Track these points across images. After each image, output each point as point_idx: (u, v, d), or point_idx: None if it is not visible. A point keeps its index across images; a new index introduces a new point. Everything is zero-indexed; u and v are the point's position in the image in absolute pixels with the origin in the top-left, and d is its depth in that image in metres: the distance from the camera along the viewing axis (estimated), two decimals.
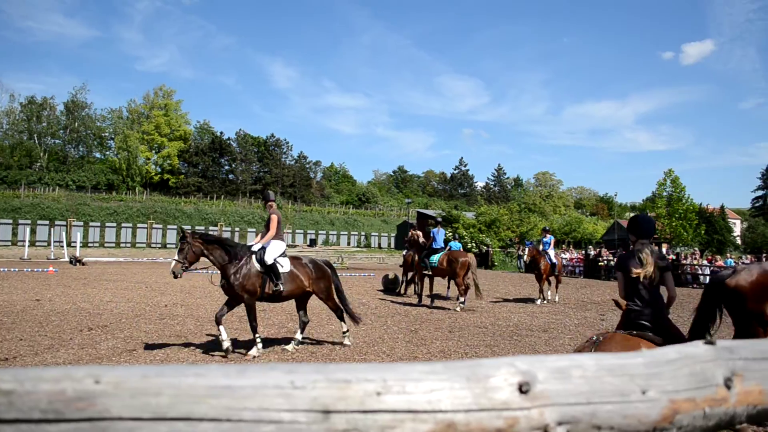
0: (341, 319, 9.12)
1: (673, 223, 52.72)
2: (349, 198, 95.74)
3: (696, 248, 42.67)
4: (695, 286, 26.41)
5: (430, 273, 14.80)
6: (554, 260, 16.73)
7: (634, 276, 4.08)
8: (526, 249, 16.55)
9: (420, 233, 16.27)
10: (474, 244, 41.91)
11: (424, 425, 1.00)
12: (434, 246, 15.18)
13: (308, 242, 63.79)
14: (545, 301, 16.51)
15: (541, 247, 16.75)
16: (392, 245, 71.23)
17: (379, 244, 71.49)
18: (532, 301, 16.86)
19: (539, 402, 1.08)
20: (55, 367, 0.89)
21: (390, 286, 18.54)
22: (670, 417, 1.17)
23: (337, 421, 0.95)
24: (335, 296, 9.08)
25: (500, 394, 1.06)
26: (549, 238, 16.63)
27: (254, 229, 63.39)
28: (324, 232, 70.84)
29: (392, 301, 16.15)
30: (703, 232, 54.24)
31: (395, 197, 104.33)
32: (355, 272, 30.16)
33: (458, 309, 14.06)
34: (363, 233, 73.24)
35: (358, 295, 17.41)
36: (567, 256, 33.18)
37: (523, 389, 1.08)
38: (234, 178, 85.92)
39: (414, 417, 1.00)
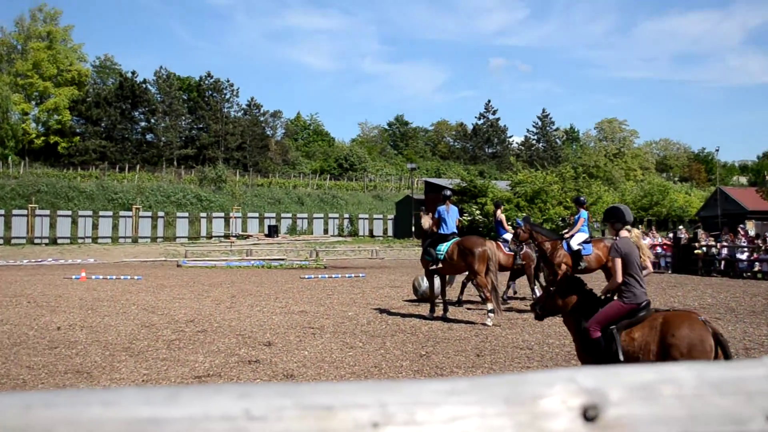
0: None
1: None
2: (325, 164, 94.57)
3: None
4: None
5: (439, 268, 15.19)
6: (577, 247, 16.87)
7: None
8: (516, 230, 17.13)
9: (430, 217, 16.46)
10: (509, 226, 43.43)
11: None
12: (443, 231, 15.37)
13: (266, 230, 62.81)
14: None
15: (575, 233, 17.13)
16: (389, 232, 69.36)
17: (371, 231, 69.74)
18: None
19: None
20: None
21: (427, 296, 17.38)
22: None
23: None
24: None
25: (555, 424, 1.06)
26: (582, 213, 17.23)
27: (186, 213, 63.26)
28: (289, 214, 69.34)
29: (395, 313, 16.30)
30: None
31: (393, 161, 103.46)
32: (336, 272, 30.16)
33: (488, 323, 14.26)
34: (347, 215, 71.53)
35: (342, 306, 17.62)
36: (647, 241, 33.26)
37: (588, 415, 1.08)
38: (154, 139, 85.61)
39: None
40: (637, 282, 7.49)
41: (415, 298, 18.79)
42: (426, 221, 16.19)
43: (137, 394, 0.96)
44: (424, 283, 18.24)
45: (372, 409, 1.01)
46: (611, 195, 62.83)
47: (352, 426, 0.99)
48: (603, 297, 7.79)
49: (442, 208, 15.67)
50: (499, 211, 19.52)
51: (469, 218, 50.64)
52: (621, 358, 7.10)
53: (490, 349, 11.84)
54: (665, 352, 6.83)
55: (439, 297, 16.56)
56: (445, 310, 15.62)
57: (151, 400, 0.96)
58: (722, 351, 6.69)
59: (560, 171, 56.96)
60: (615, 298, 7.66)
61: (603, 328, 7.42)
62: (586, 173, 67.30)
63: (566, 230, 17.75)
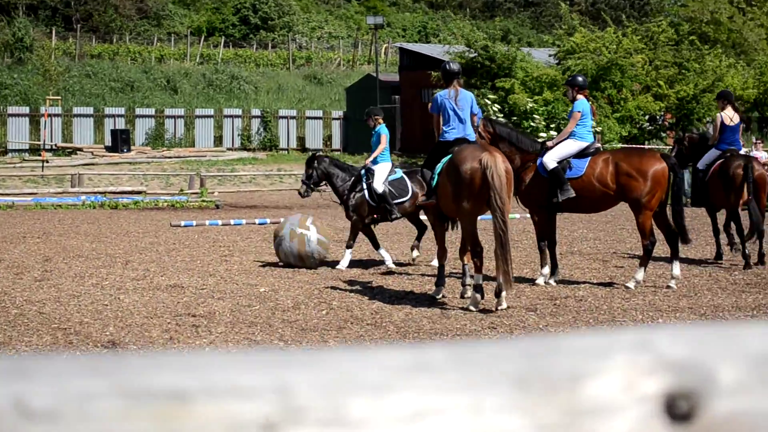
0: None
1: None
2: (217, 19, 60.70)
3: None
4: None
5: (430, 203, 10.94)
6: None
7: None
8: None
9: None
10: (548, 131, 28.35)
11: None
12: (446, 136, 10.50)
13: (108, 140, 41.78)
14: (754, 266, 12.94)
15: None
16: (335, 141, 46.33)
17: (301, 141, 46.40)
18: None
19: None
20: None
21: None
22: None
23: None
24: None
25: (613, 426, 0.73)
26: (578, 105, 12.07)
27: None
28: (151, 111, 45.08)
29: (346, 288, 11.33)
30: None
31: (341, 13, 67.37)
32: (238, 217, 21.02)
33: (503, 306, 9.88)
34: (256, 112, 46.67)
35: (249, 277, 12.12)
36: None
37: (677, 410, 0.74)
38: None
39: None
40: None
41: (385, 264, 12.97)
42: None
43: None
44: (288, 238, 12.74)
45: (264, 397, 0.68)
46: (740, 73, 39.28)
47: (222, 429, 0.66)
48: None
49: (442, 94, 10.60)
50: (581, 96, 12.04)
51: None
52: None
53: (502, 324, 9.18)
54: None
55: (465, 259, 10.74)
56: (439, 283, 10.75)
57: None
58: None
59: (649, 30, 37.57)
60: None
61: None
62: (695, 34, 41.09)
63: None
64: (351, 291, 11.13)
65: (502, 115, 31.40)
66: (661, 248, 12.48)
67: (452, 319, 9.47)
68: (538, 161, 11.56)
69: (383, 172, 13.05)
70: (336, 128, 46.80)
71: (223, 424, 0.67)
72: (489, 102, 31.54)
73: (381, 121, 13.62)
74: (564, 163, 11.47)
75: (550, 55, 38.13)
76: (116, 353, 0.83)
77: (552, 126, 29.68)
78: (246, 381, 0.69)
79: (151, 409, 0.67)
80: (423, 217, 13.47)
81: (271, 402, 0.68)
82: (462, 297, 10.41)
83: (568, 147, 11.66)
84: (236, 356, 0.73)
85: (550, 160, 11.44)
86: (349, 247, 13.04)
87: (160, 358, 0.72)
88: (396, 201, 12.97)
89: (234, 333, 8.85)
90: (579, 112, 11.78)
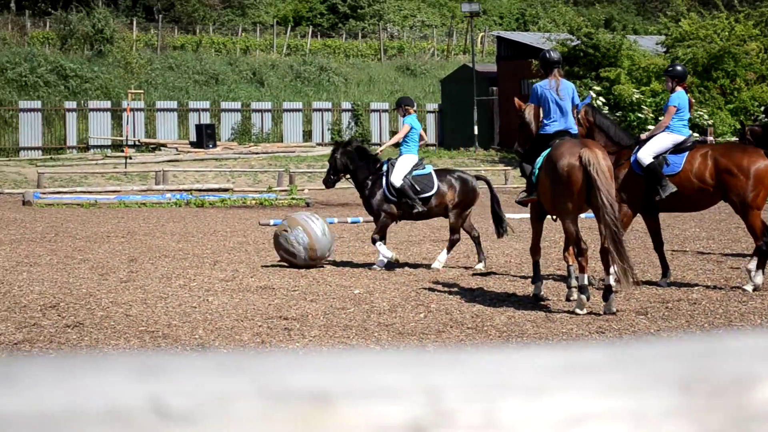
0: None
1: None
2: (304, 8, 58.38)
3: None
4: None
5: (531, 200, 10.47)
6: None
7: None
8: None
9: (524, 106, 11.23)
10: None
11: None
12: (546, 129, 10.20)
13: (193, 135, 40.26)
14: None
15: None
16: (431, 135, 40.80)
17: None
18: None
19: None
20: None
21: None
22: None
23: None
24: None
25: None
26: (675, 98, 11.48)
27: (38, 103, 39.86)
28: (237, 104, 42.88)
29: (443, 290, 11.01)
30: None
31: (432, 0, 63.92)
32: (329, 215, 19.57)
33: (613, 308, 9.44)
34: (347, 105, 44.56)
35: (342, 278, 11.87)
36: None
37: None
38: None
39: None
40: None
41: (479, 266, 12.54)
42: (530, 111, 10.78)
43: None
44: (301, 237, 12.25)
45: (411, 399, 0.66)
46: None
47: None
48: None
49: (542, 85, 10.23)
50: (679, 88, 11.55)
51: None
52: None
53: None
54: None
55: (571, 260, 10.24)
56: (537, 282, 10.32)
57: None
58: None
59: (764, 15, 34.55)
60: None
61: None
62: None
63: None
64: (450, 293, 10.74)
65: (606, 106, 30.04)
66: None
67: (557, 323, 9.13)
68: (632, 157, 10.98)
69: (405, 166, 12.59)
70: (430, 122, 43.62)
71: (367, 427, 0.65)
72: (593, 94, 28.81)
73: (412, 111, 13.23)
74: (660, 159, 10.88)
75: (657, 44, 36.15)
76: (252, 352, 0.72)
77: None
78: (391, 382, 0.67)
79: (292, 411, 0.65)
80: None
81: (419, 405, 0.65)
82: (567, 300, 9.94)
83: (663, 141, 11.09)
84: (378, 356, 0.71)
85: (646, 155, 10.87)
86: (374, 241, 12.56)
87: (299, 358, 0.71)
88: (420, 196, 12.45)
89: (328, 336, 8.62)
90: (675, 106, 11.19)
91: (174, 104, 41.53)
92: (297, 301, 10.25)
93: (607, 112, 27.77)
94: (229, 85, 45.24)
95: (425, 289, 11.02)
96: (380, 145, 39.60)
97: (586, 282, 9.39)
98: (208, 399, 0.66)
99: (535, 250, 10.49)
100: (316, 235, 12.15)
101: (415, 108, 13.51)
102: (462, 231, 12.73)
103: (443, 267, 12.41)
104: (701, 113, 29.10)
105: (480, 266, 12.32)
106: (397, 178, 12.38)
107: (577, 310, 9.30)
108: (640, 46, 35.92)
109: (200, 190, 26.08)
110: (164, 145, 39.11)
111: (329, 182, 13.52)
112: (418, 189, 12.41)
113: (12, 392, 0.68)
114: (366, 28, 57.15)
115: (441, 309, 9.79)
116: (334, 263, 12.97)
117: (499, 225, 12.70)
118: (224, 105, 42.46)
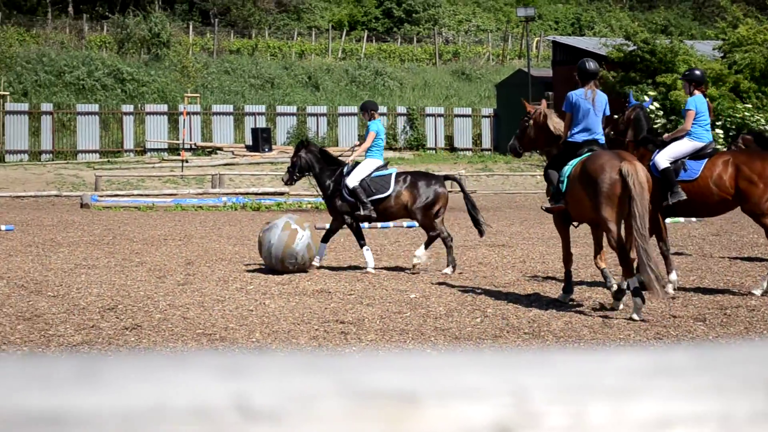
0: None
1: None
2: (359, 13, 57.78)
3: None
4: None
5: (558, 208, 10.22)
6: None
7: None
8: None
9: (544, 110, 11.03)
10: (725, 130, 26.98)
11: None
12: (575, 137, 10.12)
13: (249, 139, 40.16)
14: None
15: None
16: (485, 140, 44.14)
17: (449, 140, 44.43)
18: None
19: None
20: None
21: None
22: None
23: None
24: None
25: None
26: (692, 102, 11.26)
27: (96, 106, 40.17)
28: (293, 108, 43.12)
29: (501, 294, 10.97)
30: None
31: (489, 4, 63.44)
32: (386, 220, 18.81)
33: (634, 317, 9.33)
34: (402, 110, 44.28)
35: (398, 283, 11.97)
36: None
37: None
38: None
39: None
40: None
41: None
42: (552, 119, 10.75)
43: None
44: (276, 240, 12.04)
45: (497, 400, 0.65)
46: None
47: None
48: None
49: (578, 94, 10.15)
50: (697, 92, 11.42)
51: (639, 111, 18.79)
52: None
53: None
54: None
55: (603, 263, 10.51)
56: (567, 290, 10.38)
57: None
58: None
59: None
60: None
61: None
62: None
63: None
64: (506, 298, 10.54)
65: (662, 112, 29.96)
66: None
67: (615, 329, 8.93)
68: (651, 161, 10.82)
69: (366, 169, 12.58)
70: (485, 126, 43.92)
71: (453, 427, 0.64)
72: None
73: (377, 115, 13.19)
74: (678, 164, 10.76)
75: (714, 49, 35.49)
76: (335, 351, 0.72)
77: (718, 124, 27.24)
78: (476, 383, 0.66)
79: (378, 410, 0.65)
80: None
81: (505, 406, 0.65)
82: (615, 300, 9.78)
83: (683, 146, 10.93)
84: (463, 357, 0.71)
85: (663, 159, 10.78)
86: (361, 246, 12.72)
87: (384, 358, 0.71)
88: (372, 198, 12.38)
89: (385, 341, 8.50)
90: (693, 110, 10.98)
91: (230, 108, 41.72)
92: (353, 305, 10.10)
93: (661, 116, 28.43)
94: (284, 89, 45.18)
95: (481, 293, 10.84)
96: (435, 150, 42.44)
97: (636, 284, 9.18)
98: (291, 398, 0.66)
99: (567, 259, 10.41)
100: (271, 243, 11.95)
101: (379, 112, 13.56)
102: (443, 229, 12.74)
103: (422, 263, 12.40)
104: (758, 118, 28.76)
105: (448, 270, 12.39)
106: (352, 180, 12.37)
107: (634, 316, 9.16)
108: (696, 51, 35.31)
109: (256, 194, 25.91)
110: (220, 149, 39.39)
111: (291, 181, 13.38)
112: (373, 190, 12.38)
113: (98, 389, 0.70)
114: (421, 33, 56.57)
115: (497, 314, 9.63)
116: (389, 268, 12.83)
117: (477, 225, 12.78)
118: (280, 109, 42.38)
